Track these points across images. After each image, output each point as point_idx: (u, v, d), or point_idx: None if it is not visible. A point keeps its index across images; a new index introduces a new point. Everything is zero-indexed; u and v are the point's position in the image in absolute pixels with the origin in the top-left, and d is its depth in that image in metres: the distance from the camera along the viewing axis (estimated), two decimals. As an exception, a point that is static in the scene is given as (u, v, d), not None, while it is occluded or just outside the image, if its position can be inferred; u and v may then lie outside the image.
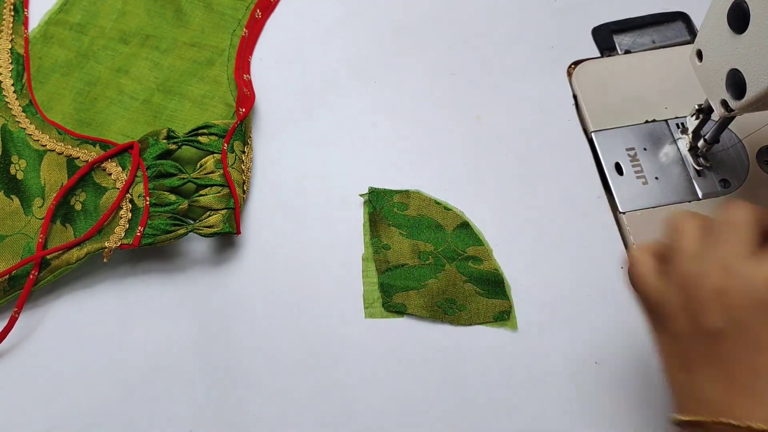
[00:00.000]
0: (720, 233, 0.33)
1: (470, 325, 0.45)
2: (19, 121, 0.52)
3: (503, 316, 0.45)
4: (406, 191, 0.48)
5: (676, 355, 0.34)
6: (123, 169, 0.49)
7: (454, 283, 0.46)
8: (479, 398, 0.43)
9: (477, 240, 0.46)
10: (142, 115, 0.54)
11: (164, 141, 0.49)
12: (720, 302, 0.31)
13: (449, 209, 0.46)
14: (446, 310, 0.45)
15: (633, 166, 0.49)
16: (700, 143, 0.48)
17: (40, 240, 0.47)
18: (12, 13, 0.57)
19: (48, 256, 0.46)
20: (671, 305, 0.33)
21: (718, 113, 0.42)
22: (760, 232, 0.32)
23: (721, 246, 0.32)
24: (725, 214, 0.33)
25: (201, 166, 0.49)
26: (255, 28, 0.58)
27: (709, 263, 0.32)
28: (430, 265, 0.46)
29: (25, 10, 0.59)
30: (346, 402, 0.44)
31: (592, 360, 0.44)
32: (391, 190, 0.48)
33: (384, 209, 0.48)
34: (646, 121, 0.51)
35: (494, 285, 0.46)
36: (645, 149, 0.50)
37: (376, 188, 0.49)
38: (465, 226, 0.46)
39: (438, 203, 0.46)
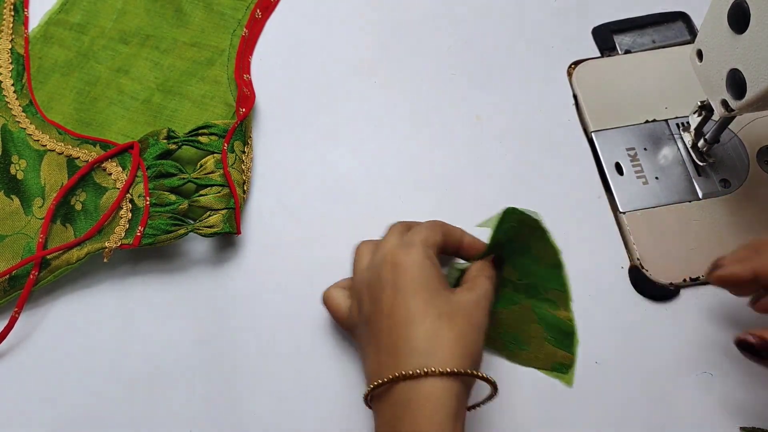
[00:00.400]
0: (379, 243, 0.41)
1: (526, 366, 0.43)
2: (19, 121, 0.52)
3: (563, 369, 0.43)
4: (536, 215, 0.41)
5: (359, 348, 0.41)
6: (123, 169, 0.49)
7: (524, 320, 0.43)
8: (479, 398, 0.43)
9: (562, 285, 0.42)
10: (142, 115, 0.54)
11: (164, 141, 0.49)
12: (368, 293, 0.39)
13: (551, 245, 0.41)
14: (507, 344, 0.44)
15: (633, 166, 0.49)
16: (701, 143, 0.48)
17: (40, 240, 0.47)
18: (12, 13, 0.57)
19: (48, 256, 0.46)
20: (353, 309, 0.41)
21: (718, 113, 0.42)
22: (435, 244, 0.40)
23: (378, 251, 0.40)
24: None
25: (201, 166, 0.49)
26: (255, 28, 0.58)
27: (370, 268, 0.40)
28: (507, 294, 0.44)
29: (25, 10, 0.59)
30: (347, 402, 0.44)
31: (592, 360, 0.44)
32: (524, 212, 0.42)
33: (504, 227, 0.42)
34: (646, 121, 0.51)
35: (564, 335, 0.42)
36: (645, 149, 0.50)
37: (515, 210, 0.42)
38: (558, 266, 0.42)
39: (545, 234, 0.41)
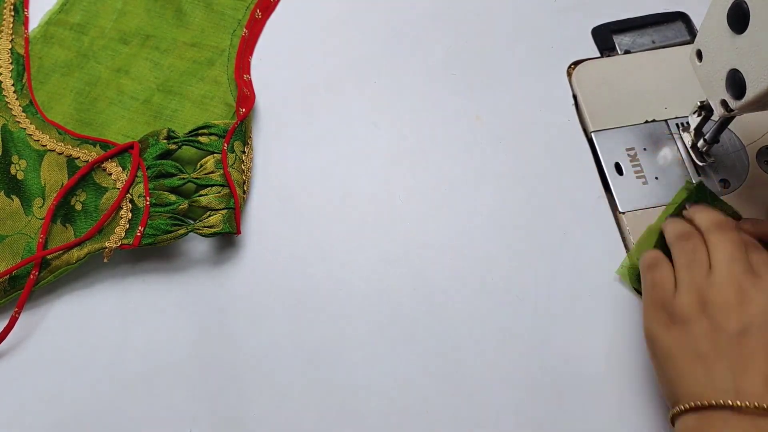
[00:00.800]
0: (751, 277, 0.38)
1: None
2: (19, 121, 0.52)
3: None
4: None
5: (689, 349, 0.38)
6: (123, 169, 0.49)
7: None
8: (480, 399, 0.43)
9: None
10: (142, 116, 0.54)
11: (164, 141, 0.49)
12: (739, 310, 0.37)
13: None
14: None
15: (633, 166, 0.49)
16: (700, 143, 0.48)
17: (41, 240, 0.47)
18: (12, 13, 0.57)
19: (48, 256, 0.46)
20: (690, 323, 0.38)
21: (717, 113, 0.42)
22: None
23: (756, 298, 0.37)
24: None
25: (201, 166, 0.49)
26: (255, 28, 0.58)
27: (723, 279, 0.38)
28: None
29: (25, 10, 0.59)
30: (347, 402, 0.44)
31: (592, 360, 0.44)
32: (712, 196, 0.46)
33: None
34: (646, 121, 0.51)
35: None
36: (645, 149, 0.50)
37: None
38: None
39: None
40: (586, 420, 0.43)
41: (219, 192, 0.48)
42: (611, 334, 0.45)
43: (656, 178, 0.49)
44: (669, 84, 0.52)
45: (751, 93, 0.38)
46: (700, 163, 0.48)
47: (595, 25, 0.56)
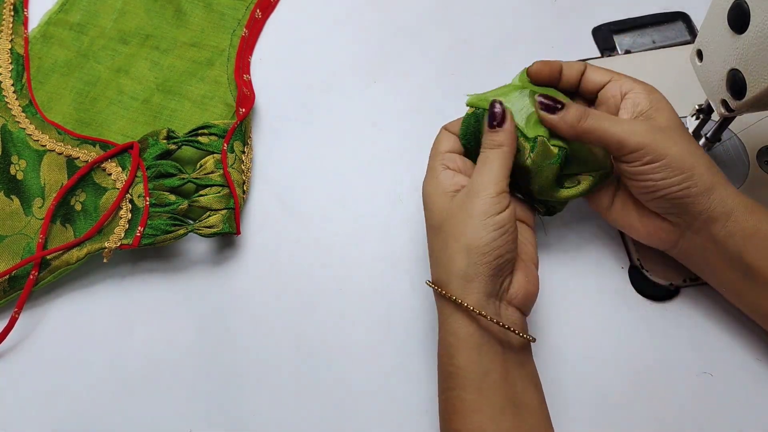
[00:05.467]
0: None
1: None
2: (18, 122, 0.52)
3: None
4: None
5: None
6: (123, 170, 0.49)
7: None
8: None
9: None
10: (142, 115, 0.54)
11: (164, 141, 0.49)
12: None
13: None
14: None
15: (633, 166, 0.49)
16: (701, 142, 0.48)
17: (40, 240, 0.47)
18: (12, 13, 0.57)
19: (48, 257, 0.46)
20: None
21: (718, 113, 0.42)
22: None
23: None
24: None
25: (201, 166, 0.49)
26: (255, 28, 0.58)
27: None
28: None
29: (25, 10, 0.59)
30: (347, 402, 0.44)
31: (592, 359, 0.44)
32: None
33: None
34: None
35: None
36: (645, 149, 0.50)
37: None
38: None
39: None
40: (585, 420, 0.43)
41: (219, 192, 0.48)
42: (611, 334, 0.45)
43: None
44: (669, 84, 0.52)
45: (751, 93, 0.38)
46: None
47: (595, 25, 0.56)
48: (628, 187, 0.41)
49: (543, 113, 0.40)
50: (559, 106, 0.40)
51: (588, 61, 0.54)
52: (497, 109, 0.40)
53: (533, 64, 0.43)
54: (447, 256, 0.38)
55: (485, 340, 0.37)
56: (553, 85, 0.43)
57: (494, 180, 0.38)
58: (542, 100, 0.40)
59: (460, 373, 0.37)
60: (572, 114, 0.39)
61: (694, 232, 0.40)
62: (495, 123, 0.40)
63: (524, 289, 0.39)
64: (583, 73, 0.43)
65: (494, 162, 0.39)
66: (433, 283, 0.39)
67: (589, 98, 0.43)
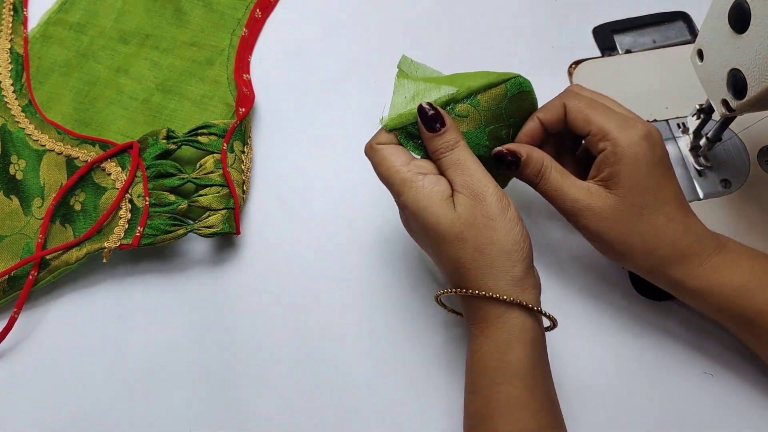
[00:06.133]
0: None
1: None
2: (18, 121, 0.52)
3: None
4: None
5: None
6: (122, 169, 0.49)
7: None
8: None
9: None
10: (142, 115, 0.54)
11: (164, 141, 0.49)
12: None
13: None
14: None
15: (633, 166, 0.49)
16: (702, 141, 0.48)
17: (40, 240, 0.47)
18: (11, 13, 0.57)
19: (47, 257, 0.46)
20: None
21: (718, 113, 0.42)
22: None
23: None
24: None
25: (200, 166, 0.49)
26: (255, 27, 0.58)
27: None
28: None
29: (25, 9, 0.58)
30: (346, 402, 0.44)
31: (592, 359, 0.44)
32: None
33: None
34: (647, 121, 0.51)
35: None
36: (645, 149, 0.50)
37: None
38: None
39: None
40: (585, 420, 0.43)
41: (218, 192, 0.48)
42: (611, 334, 0.45)
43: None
44: (670, 84, 0.52)
45: (751, 93, 0.38)
46: (698, 167, 0.48)
47: (595, 25, 0.56)
48: None
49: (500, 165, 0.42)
50: (514, 166, 0.41)
51: (588, 61, 0.54)
52: (431, 112, 0.39)
53: (515, 145, 0.42)
54: (487, 262, 0.37)
55: (537, 334, 0.37)
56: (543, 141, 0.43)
57: (483, 177, 0.38)
58: (496, 156, 0.41)
59: (510, 369, 0.36)
60: (529, 171, 0.41)
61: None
62: (437, 126, 0.39)
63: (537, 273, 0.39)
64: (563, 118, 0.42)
65: (466, 161, 0.38)
66: (473, 291, 0.37)
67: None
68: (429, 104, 0.39)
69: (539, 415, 0.36)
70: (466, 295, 0.37)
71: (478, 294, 0.37)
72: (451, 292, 0.38)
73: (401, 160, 0.39)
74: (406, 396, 0.44)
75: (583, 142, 0.42)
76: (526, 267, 0.37)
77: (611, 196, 0.39)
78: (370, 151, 0.41)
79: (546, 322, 0.39)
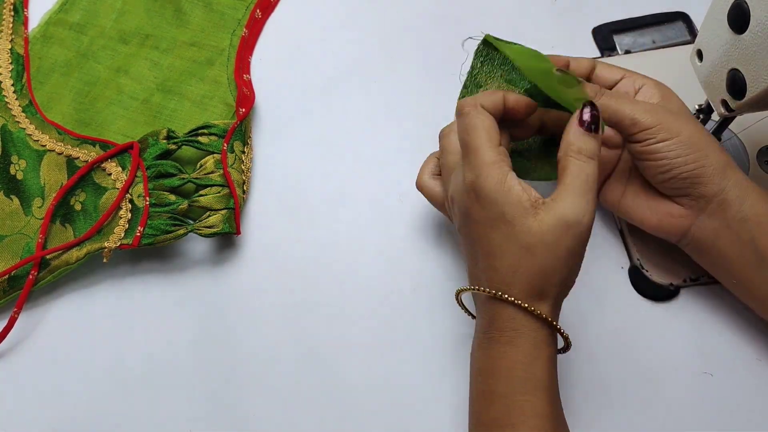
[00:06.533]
0: (463, 155, 0.38)
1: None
2: (18, 121, 0.52)
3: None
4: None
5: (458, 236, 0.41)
6: (123, 169, 0.49)
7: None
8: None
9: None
10: (142, 115, 0.54)
11: (164, 141, 0.49)
12: (457, 209, 0.39)
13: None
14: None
15: (633, 166, 0.49)
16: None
17: (40, 240, 0.47)
18: (12, 13, 0.57)
19: (48, 256, 0.46)
20: (448, 201, 0.41)
21: (718, 113, 0.42)
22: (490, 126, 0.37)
23: (460, 173, 0.38)
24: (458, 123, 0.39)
25: (201, 166, 0.49)
26: (255, 28, 0.58)
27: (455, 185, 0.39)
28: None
29: (25, 10, 0.58)
30: (346, 402, 0.44)
31: (593, 359, 0.44)
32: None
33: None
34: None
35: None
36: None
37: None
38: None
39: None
40: (585, 420, 0.43)
41: (219, 192, 0.48)
42: (611, 334, 0.45)
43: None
44: (669, 84, 0.52)
45: (751, 93, 0.38)
46: None
47: (595, 25, 0.56)
48: (641, 169, 0.41)
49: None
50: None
51: (588, 61, 0.54)
52: (595, 112, 0.37)
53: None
54: (541, 279, 0.36)
55: (555, 348, 0.37)
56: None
57: (590, 209, 0.35)
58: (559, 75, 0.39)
59: (536, 380, 0.36)
60: (588, 90, 0.40)
61: (708, 216, 0.40)
62: (593, 127, 0.37)
63: None
64: (592, 70, 0.43)
65: (590, 181, 0.36)
66: (516, 300, 0.36)
67: None
68: (597, 109, 0.37)
69: (560, 429, 0.36)
70: (503, 300, 0.36)
71: (520, 305, 0.36)
72: (483, 291, 0.37)
73: (492, 136, 0.37)
74: (406, 396, 0.44)
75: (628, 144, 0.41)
76: (562, 296, 0.38)
77: (672, 108, 0.41)
78: (474, 110, 0.38)
79: (560, 343, 0.39)
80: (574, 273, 0.37)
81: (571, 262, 0.36)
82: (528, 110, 0.40)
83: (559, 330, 0.37)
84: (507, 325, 0.37)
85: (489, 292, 0.37)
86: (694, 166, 0.39)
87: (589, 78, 0.44)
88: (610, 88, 0.43)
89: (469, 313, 0.42)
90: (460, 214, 0.39)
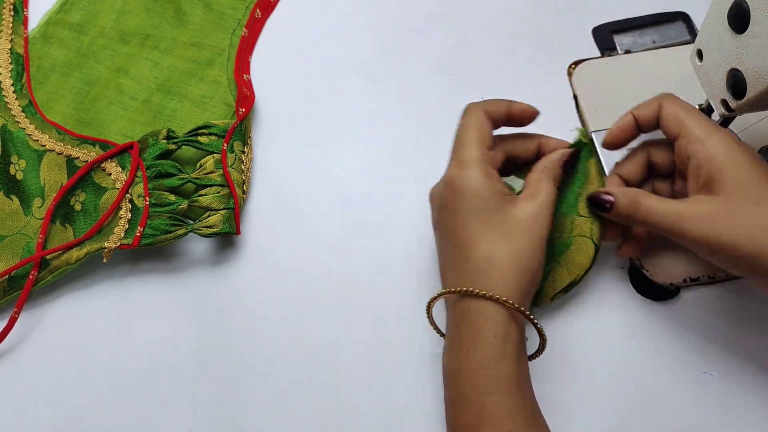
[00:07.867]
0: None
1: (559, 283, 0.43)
2: (18, 121, 0.52)
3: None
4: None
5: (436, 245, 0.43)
6: (123, 169, 0.49)
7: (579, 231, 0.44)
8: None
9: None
10: (142, 115, 0.54)
11: (164, 141, 0.49)
12: (435, 205, 0.41)
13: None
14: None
15: (633, 166, 0.49)
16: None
17: (40, 240, 0.47)
18: (12, 13, 0.57)
19: (48, 257, 0.46)
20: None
21: (718, 113, 0.42)
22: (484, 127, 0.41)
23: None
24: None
25: (201, 166, 0.49)
26: (255, 27, 0.58)
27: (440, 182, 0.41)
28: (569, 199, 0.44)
29: (25, 10, 0.58)
30: (346, 402, 0.44)
31: (593, 360, 0.44)
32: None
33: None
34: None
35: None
36: (645, 149, 0.50)
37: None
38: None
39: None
40: (585, 420, 0.43)
41: (219, 192, 0.48)
42: (611, 334, 0.45)
43: (656, 178, 0.49)
44: (670, 84, 0.52)
45: (751, 93, 0.38)
46: None
47: (595, 25, 0.56)
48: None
49: (596, 212, 0.41)
50: (608, 205, 0.40)
51: (588, 61, 0.54)
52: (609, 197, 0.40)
53: (607, 135, 0.43)
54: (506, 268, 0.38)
55: (523, 343, 0.38)
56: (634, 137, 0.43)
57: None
58: (590, 200, 0.41)
59: (503, 377, 0.36)
60: (623, 207, 0.39)
61: None
62: (608, 206, 0.40)
63: None
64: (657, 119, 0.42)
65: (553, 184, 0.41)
66: (507, 299, 0.37)
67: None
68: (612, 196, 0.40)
69: (529, 425, 0.36)
70: (473, 295, 0.37)
71: (491, 297, 0.37)
72: (453, 291, 0.38)
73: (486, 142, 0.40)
74: (406, 397, 0.44)
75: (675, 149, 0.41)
76: (531, 287, 0.39)
77: (718, 198, 0.37)
78: (474, 111, 0.41)
79: (534, 346, 0.39)
80: (542, 265, 0.39)
81: (539, 249, 0.38)
82: (531, 119, 0.43)
83: (531, 320, 0.37)
84: (475, 319, 0.37)
85: (459, 291, 0.37)
86: (749, 247, 0.36)
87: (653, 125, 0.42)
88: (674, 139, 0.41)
89: (439, 331, 0.42)
90: (438, 207, 0.41)
